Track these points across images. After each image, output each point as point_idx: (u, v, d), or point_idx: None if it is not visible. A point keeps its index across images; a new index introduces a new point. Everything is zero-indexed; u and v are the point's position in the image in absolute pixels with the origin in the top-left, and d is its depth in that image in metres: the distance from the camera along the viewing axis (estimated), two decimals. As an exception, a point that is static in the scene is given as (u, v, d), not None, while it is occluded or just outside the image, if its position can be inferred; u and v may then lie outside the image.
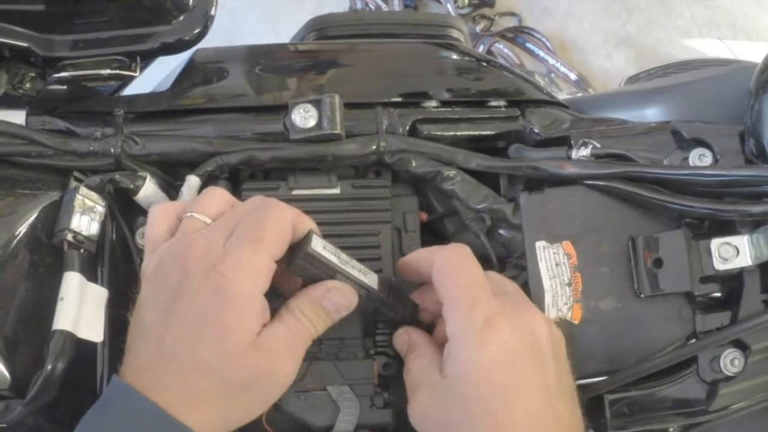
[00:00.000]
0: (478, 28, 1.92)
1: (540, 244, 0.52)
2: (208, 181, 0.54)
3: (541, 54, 1.88)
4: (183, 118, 0.56)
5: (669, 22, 1.96)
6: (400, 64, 0.64)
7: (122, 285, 0.52)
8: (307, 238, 0.46)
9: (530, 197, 0.53)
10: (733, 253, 0.51)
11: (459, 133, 0.57)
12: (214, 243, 0.44)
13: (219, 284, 0.42)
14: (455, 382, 0.44)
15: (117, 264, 0.53)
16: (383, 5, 1.89)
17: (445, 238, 0.59)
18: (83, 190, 0.51)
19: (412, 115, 0.57)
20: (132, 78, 0.55)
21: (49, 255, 0.50)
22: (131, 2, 0.54)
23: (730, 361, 0.51)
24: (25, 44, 0.52)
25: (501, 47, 1.87)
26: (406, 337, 0.50)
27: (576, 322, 0.51)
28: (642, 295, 0.51)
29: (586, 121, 0.58)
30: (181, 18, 0.54)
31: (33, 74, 0.55)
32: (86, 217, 0.51)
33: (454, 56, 0.67)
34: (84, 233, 0.50)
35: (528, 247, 0.52)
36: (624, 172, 0.52)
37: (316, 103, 0.54)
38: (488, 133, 0.58)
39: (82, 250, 0.50)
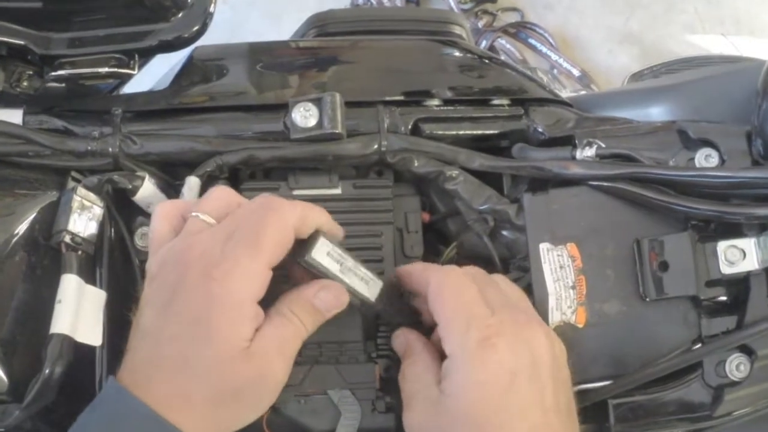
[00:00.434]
0: (480, 24, 1.92)
1: (544, 246, 0.52)
2: (208, 181, 0.53)
3: (544, 50, 1.87)
4: (182, 117, 0.55)
5: (672, 18, 1.95)
6: (402, 62, 0.64)
7: (121, 287, 0.52)
8: (312, 239, 0.45)
9: (534, 198, 0.53)
10: (739, 256, 0.50)
11: (462, 133, 0.57)
12: (214, 246, 0.43)
13: (212, 289, 0.42)
14: (452, 401, 0.43)
15: (116, 265, 0.53)
16: (385, 1, 1.88)
17: (448, 238, 0.58)
18: (81, 190, 0.50)
19: (414, 114, 0.56)
20: (130, 76, 0.55)
21: (47, 256, 0.50)
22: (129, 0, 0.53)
23: (736, 366, 0.50)
24: (22, 42, 0.52)
25: (503, 43, 1.87)
26: (403, 339, 0.50)
27: (580, 325, 0.50)
28: (647, 299, 0.50)
29: (591, 120, 0.57)
30: (180, 15, 0.54)
31: (30, 72, 0.55)
32: (84, 218, 0.50)
33: (457, 53, 0.66)
34: (82, 234, 0.50)
35: (531, 249, 0.52)
36: (629, 173, 0.51)
37: (317, 102, 0.53)
38: (491, 132, 0.57)
39: (80, 252, 0.49)
